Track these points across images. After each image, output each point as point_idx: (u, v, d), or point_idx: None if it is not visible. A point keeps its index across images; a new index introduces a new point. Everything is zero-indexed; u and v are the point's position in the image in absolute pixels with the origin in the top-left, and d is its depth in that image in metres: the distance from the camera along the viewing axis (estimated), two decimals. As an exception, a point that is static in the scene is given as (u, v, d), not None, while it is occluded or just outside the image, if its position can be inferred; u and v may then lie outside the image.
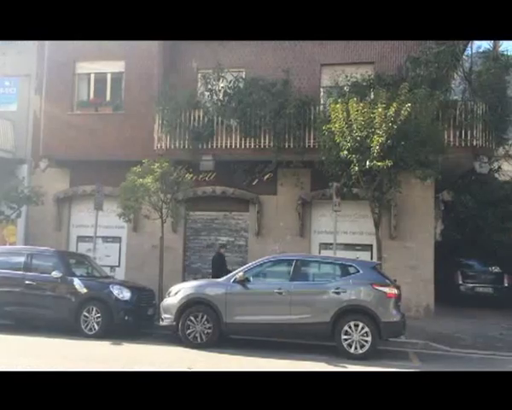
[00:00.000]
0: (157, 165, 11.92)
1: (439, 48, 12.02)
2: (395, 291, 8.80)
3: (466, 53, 13.73)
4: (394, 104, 10.19)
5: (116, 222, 13.38)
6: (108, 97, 14.65)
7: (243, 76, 14.00)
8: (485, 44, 13.92)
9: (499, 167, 15.09)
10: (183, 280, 13.30)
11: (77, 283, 9.97)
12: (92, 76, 14.78)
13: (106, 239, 14.63)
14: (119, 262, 14.64)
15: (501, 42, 12.73)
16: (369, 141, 10.28)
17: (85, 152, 14.11)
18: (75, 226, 15.11)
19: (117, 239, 14.76)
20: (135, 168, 12.02)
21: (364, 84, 12.71)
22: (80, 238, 14.92)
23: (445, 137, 11.67)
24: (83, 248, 14.42)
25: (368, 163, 10.25)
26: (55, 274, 9.96)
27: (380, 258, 11.23)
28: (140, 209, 12.20)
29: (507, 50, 13.58)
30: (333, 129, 10.79)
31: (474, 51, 13.93)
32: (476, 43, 13.74)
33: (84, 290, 9.91)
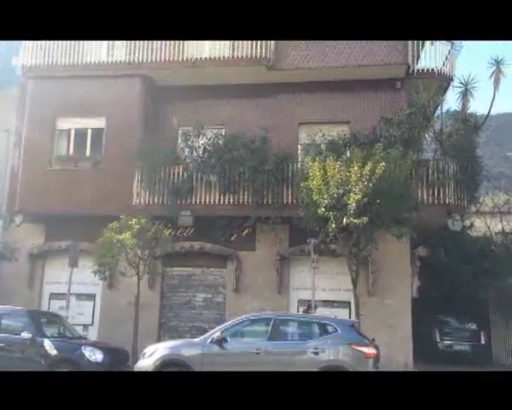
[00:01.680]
0: (135, 220, 11.88)
1: (411, 109, 12.53)
2: (373, 351, 8.72)
3: (436, 114, 14.31)
4: (370, 163, 10.48)
5: (91, 278, 13.09)
6: (88, 153, 14.66)
7: (223, 133, 14.27)
8: (454, 106, 14.55)
9: (472, 224, 15.42)
10: (159, 338, 12.97)
11: (47, 344, 9.62)
12: (72, 132, 14.83)
13: (80, 296, 14.23)
14: (93, 320, 14.18)
15: (469, 104, 13.28)
16: (345, 198, 10.50)
17: (62, 207, 13.95)
18: (48, 283, 14.70)
19: (91, 296, 14.38)
20: (112, 224, 11.94)
21: (340, 142, 13.06)
22: (53, 296, 14.48)
23: (419, 195, 11.97)
24: (55, 305, 13.98)
25: (345, 220, 10.43)
26: (25, 335, 9.61)
27: (358, 315, 11.19)
28: (116, 266, 12.01)
29: (475, 112, 14.20)
30: (311, 186, 11.00)
31: (443, 112, 14.52)
32: (446, 105, 14.36)
33: (55, 352, 9.57)
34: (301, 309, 12.95)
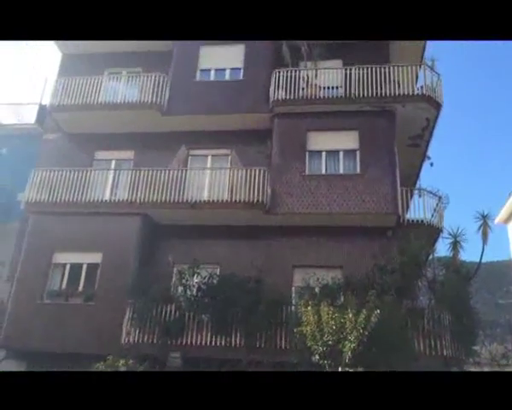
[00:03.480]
0: (122, 362, 11.44)
1: (403, 258, 12.82)
2: None
3: (428, 260, 14.60)
4: (364, 311, 10.43)
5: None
6: (81, 288, 14.56)
7: (218, 272, 14.32)
8: (444, 253, 14.91)
9: (471, 377, 14.89)
10: None
11: None
12: (68, 266, 14.87)
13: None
14: None
15: (459, 254, 13.66)
16: (340, 346, 10.27)
17: (47, 343, 13.45)
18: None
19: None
20: (98, 365, 11.46)
21: (334, 287, 13.11)
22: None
23: (415, 345, 11.73)
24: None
25: (340, 369, 10.08)
26: None
27: None
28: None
29: (465, 260, 14.50)
30: (304, 332, 10.81)
31: (435, 259, 14.82)
32: (437, 253, 14.74)
33: None
34: None
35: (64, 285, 14.67)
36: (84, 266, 14.77)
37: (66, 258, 14.89)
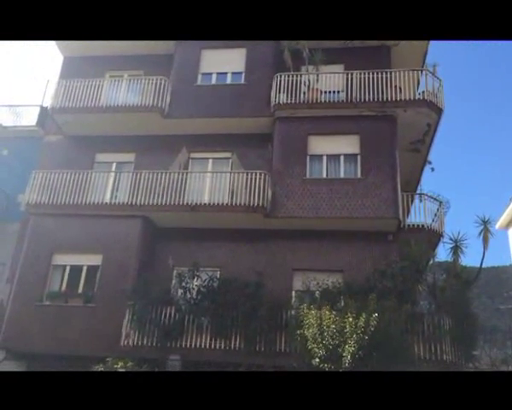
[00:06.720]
0: (121, 364, 11.43)
1: (404, 263, 12.80)
2: None
3: (428, 266, 14.57)
4: (364, 315, 10.42)
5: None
6: (81, 289, 14.54)
7: (218, 275, 14.31)
8: (445, 257, 14.88)
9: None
10: None
11: None
12: (68, 268, 14.84)
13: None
14: None
15: (460, 258, 13.64)
16: (340, 350, 10.25)
17: (47, 345, 13.44)
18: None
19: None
20: (97, 367, 11.45)
21: (335, 291, 13.09)
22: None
23: (415, 350, 11.71)
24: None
25: (340, 372, 10.07)
26: None
27: None
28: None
29: (466, 265, 14.46)
30: (306, 334, 10.79)
31: (435, 264, 14.78)
32: (437, 258, 14.70)
33: None
34: None
35: (64, 287, 14.63)
36: (84, 268, 14.74)
37: (66, 260, 14.85)
